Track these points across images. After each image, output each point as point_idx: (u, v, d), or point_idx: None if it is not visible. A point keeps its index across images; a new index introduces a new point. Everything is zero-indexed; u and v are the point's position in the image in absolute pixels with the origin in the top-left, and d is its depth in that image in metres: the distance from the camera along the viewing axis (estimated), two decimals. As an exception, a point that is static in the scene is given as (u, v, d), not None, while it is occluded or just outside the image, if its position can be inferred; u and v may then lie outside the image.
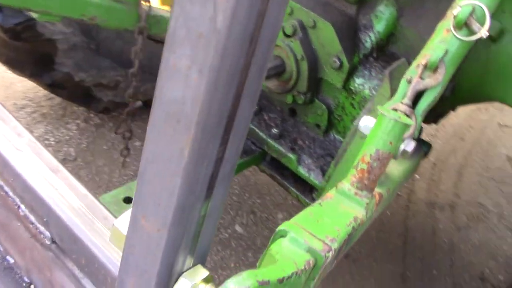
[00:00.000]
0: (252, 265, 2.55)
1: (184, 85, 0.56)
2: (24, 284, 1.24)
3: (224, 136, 0.62)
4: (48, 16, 1.87)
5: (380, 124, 1.08)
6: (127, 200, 1.63)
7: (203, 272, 0.74)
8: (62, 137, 3.01)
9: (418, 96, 1.28)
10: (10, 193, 1.19)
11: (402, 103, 1.25)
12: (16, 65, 2.78)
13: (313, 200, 1.76)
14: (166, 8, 2.33)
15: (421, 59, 1.30)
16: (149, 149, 0.63)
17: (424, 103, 1.25)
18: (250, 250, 2.63)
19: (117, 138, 3.13)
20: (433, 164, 3.64)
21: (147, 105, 3.23)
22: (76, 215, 1.06)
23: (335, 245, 0.90)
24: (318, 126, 1.83)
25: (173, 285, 0.72)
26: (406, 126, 1.07)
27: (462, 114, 4.35)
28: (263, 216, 2.81)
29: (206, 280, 0.73)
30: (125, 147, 2.43)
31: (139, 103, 2.29)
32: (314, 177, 1.73)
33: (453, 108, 2.30)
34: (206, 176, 0.64)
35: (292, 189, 1.80)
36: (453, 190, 3.45)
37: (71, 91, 2.87)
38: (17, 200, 1.17)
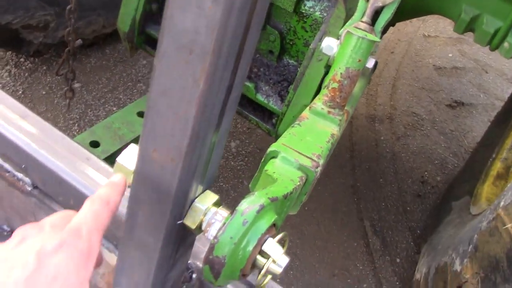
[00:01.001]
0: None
1: (197, 15, 0.57)
2: (5, 233, 1.23)
3: (235, 63, 0.63)
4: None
5: (348, 42, 1.12)
6: (93, 144, 1.61)
7: (212, 197, 0.77)
8: (-6, 85, 2.86)
9: (375, 14, 1.32)
10: (-21, 145, 1.14)
11: (362, 21, 1.29)
12: None
13: (274, 126, 1.81)
14: None
15: (375, -24, 1.33)
16: (159, 81, 0.63)
17: (383, 20, 1.30)
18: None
19: (54, 82, 3.00)
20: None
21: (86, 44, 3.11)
22: (57, 158, 1.05)
23: (321, 161, 0.96)
24: (271, 52, 1.85)
25: (187, 211, 0.76)
26: (373, 42, 1.12)
27: (390, 29, 4.49)
28: (215, 146, 2.86)
29: (216, 204, 0.77)
30: (69, 88, 2.35)
31: (79, 41, 2.19)
32: (273, 103, 1.77)
33: (393, 24, 2.38)
34: (219, 104, 0.66)
35: (252, 117, 1.83)
36: (390, 102, 3.63)
37: (-3, 35, 2.70)
38: (-12, 151, 1.14)
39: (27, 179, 1.10)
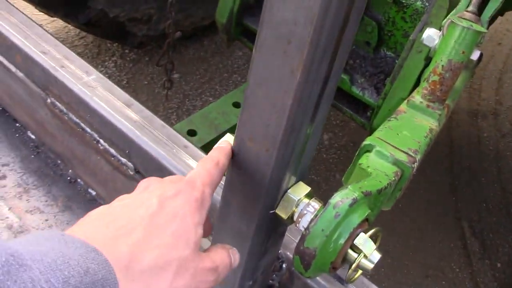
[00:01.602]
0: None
1: (296, 6, 0.57)
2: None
3: (333, 55, 0.63)
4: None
5: (451, 33, 1.06)
6: (191, 132, 1.67)
7: (305, 188, 0.77)
8: (102, 75, 3.05)
9: (482, 3, 1.24)
10: (88, 129, 1.23)
11: (467, 11, 1.22)
12: (49, 6, 2.77)
13: (368, 119, 1.77)
14: None
15: (484, -37, 1.25)
16: (257, 71, 0.64)
17: (491, 9, 1.22)
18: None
19: (155, 72, 3.15)
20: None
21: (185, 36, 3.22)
22: (158, 145, 1.10)
23: (418, 156, 0.92)
24: (368, 43, 1.81)
25: (279, 201, 0.76)
26: (479, 33, 1.06)
27: (498, 19, 4.21)
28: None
29: (309, 196, 0.77)
30: (167, 79, 2.45)
31: (178, 33, 2.27)
32: (368, 96, 1.73)
33: (502, 13, 2.23)
34: (314, 95, 0.66)
35: (346, 109, 1.81)
36: (495, 97, 3.41)
37: (105, 28, 2.87)
38: (96, 135, 1.22)
39: (130, 164, 1.17)
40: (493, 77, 3.59)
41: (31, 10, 2.90)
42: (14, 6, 1.43)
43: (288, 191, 0.76)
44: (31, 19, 1.38)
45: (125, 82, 3.03)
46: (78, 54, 3.12)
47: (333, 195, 0.71)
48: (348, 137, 2.92)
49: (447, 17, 1.29)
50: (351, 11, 0.60)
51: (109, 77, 3.04)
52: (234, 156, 0.74)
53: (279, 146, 0.67)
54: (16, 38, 1.33)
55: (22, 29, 1.35)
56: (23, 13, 1.40)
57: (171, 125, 1.93)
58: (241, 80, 3.19)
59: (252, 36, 2.16)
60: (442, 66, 1.07)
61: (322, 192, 2.59)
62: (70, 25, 3.07)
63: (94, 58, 3.19)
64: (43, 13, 2.83)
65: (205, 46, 3.40)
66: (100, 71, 1.28)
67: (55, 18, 3.13)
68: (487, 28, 1.99)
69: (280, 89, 0.63)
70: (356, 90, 1.76)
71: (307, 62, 0.60)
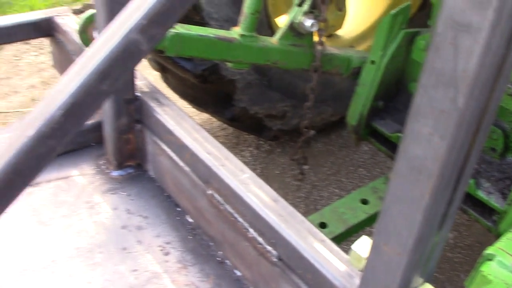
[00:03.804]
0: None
1: (426, 146, 0.75)
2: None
3: (456, 184, 0.79)
4: (240, 65, 2.19)
5: None
6: (322, 225, 1.86)
7: (431, 288, 0.91)
8: (238, 163, 3.40)
9: None
10: (240, 219, 1.47)
11: None
12: (200, 104, 3.23)
13: (494, 223, 1.82)
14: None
15: None
16: (393, 192, 0.83)
17: None
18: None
19: (286, 163, 3.42)
20: None
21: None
22: (301, 238, 1.30)
23: (538, 268, 1.01)
24: (493, 149, 1.90)
25: (408, 298, 0.91)
26: None
27: None
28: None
29: (434, 295, 0.91)
30: (300, 172, 2.69)
31: (312, 132, 2.52)
32: (494, 201, 1.80)
33: None
34: (439, 214, 0.82)
35: (472, 212, 1.88)
36: None
37: (246, 123, 3.23)
38: (246, 225, 1.46)
39: (274, 252, 1.37)
40: None
41: (182, 103, 3.37)
42: (186, 113, 1.77)
43: (416, 290, 0.91)
44: (200, 125, 1.70)
45: (259, 171, 3.33)
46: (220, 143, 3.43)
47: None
48: (474, 237, 2.89)
49: None
50: (471, 153, 0.77)
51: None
52: (371, 255, 0.91)
53: (409, 251, 0.83)
54: (187, 139, 1.65)
55: (192, 133, 1.67)
56: (193, 120, 1.73)
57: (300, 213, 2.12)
58: (367, 174, 3.34)
59: (379, 137, 2.34)
60: None
61: (446, 291, 2.58)
62: (214, 119, 3.49)
63: (233, 148, 3.56)
64: (194, 108, 3.28)
65: (333, 140, 3.63)
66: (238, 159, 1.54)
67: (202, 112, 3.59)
68: None
69: (412, 207, 0.80)
70: (481, 194, 1.84)
71: (434, 189, 0.77)
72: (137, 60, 0.69)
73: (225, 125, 3.77)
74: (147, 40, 0.66)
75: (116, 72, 0.66)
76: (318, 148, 3.56)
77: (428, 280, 0.92)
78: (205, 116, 3.84)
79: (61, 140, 0.66)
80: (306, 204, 3.04)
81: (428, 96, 0.73)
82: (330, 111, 3.44)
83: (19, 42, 3.69)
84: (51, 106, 0.65)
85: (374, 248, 0.89)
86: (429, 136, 0.74)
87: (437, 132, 0.73)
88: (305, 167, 3.35)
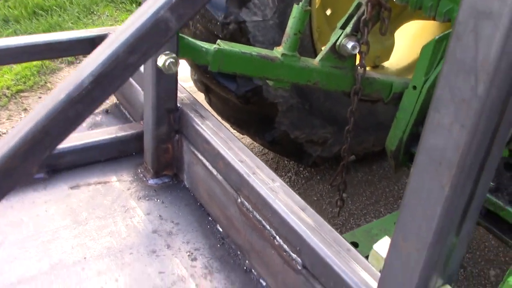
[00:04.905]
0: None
1: (446, 137, 0.75)
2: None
3: (477, 176, 0.78)
4: (281, 83, 2.23)
5: None
6: (353, 244, 1.83)
7: (451, 291, 0.88)
8: (277, 187, 3.40)
9: None
10: (267, 226, 1.47)
11: None
12: (242, 125, 3.27)
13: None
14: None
15: None
16: (413, 185, 0.82)
17: None
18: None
19: (324, 190, 3.40)
20: None
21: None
22: (326, 246, 1.28)
23: None
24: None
25: (427, 299, 0.88)
26: None
27: None
28: (474, 271, 2.77)
29: (454, 299, 0.88)
30: (339, 198, 2.65)
31: (352, 157, 2.50)
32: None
33: None
34: (460, 208, 0.80)
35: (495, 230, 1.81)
36: None
37: (286, 147, 3.24)
38: (273, 232, 1.45)
39: (299, 260, 1.36)
40: None
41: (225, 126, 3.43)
42: (223, 125, 1.81)
43: (436, 291, 0.88)
44: (233, 135, 1.73)
45: (296, 196, 3.31)
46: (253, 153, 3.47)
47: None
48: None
49: None
50: (493, 141, 0.75)
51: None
52: (389, 253, 0.89)
53: (428, 246, 0.81)
54: (222, 148, 1.68)
55: (226, 142, 1.70)
56: (229, 130, 1.77)
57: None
58: (407, 205, 3.26)
59: (419, 163, 2.29)
60: None
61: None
62: (256, 143, 3.52)
63: (272, 173, 3.57)
64: (235, 130, 3.33)
65: (374, 171, 3.58)
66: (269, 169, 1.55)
67: (244, 136, 3.63)
68: None
69: (431, 199, 0.79)
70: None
71: (454, 180, 0.76)
72: (165, 37, 0.72)
73: (265, 150, 3.80)
74: (176, 18, 0.70)
75: (144, 47, 0.70)
76: (358, 178, 3.52)
77: (449, 282, 0.89)
78: (246, 141, 3.89)
79: (88, 106, 0.70)
80: (342, 232, 2.99)
81: (449, 85, 0.73)
82: (372, 141, 3.41)
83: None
84: (82, 73, 0.69)
85: (392, 246, 0.88)
86: (449, 126, 0.74)
87: (457, 121, 0.73)
88: (344, 194, 3.32)
